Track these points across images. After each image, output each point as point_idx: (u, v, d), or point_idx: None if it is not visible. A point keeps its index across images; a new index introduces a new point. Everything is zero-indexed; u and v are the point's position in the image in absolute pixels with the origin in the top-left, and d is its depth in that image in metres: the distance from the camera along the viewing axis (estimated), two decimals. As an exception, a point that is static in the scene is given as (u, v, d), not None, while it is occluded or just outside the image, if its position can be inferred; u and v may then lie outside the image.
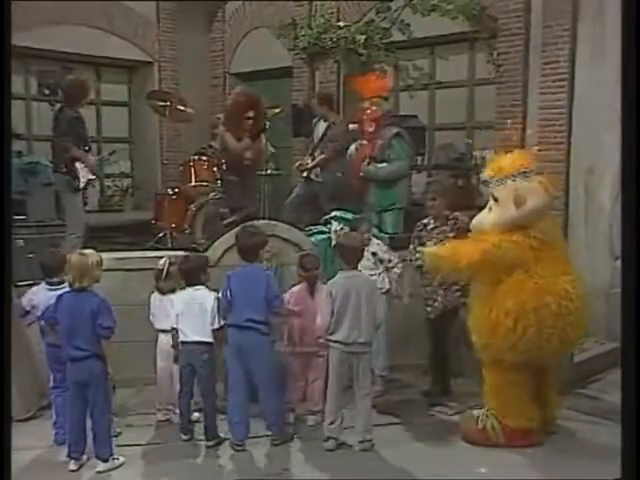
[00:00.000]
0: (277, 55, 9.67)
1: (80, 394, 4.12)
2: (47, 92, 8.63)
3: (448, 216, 5.08)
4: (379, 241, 5.24)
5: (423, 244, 5.11)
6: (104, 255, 4.43)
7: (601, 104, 6.17)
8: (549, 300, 4.19)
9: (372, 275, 4.97)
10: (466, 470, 4.15)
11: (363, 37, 8.41)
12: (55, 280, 4.48)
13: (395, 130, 6.36)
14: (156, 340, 4.80)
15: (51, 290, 4.42)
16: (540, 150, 6.76)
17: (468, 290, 4.80)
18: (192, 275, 4.58)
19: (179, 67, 10.45)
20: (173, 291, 4.72)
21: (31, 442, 4.48)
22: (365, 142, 6.39)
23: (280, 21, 9.48)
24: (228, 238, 5.41)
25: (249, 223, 5.16)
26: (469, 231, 4.61)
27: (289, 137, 8.92)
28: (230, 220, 6.12)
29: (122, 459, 4.23)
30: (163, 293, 4.77)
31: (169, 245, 7.07)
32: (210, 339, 4.46)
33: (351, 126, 6.71)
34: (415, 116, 8.05)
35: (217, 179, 7.04)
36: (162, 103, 7.85)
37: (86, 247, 4.70)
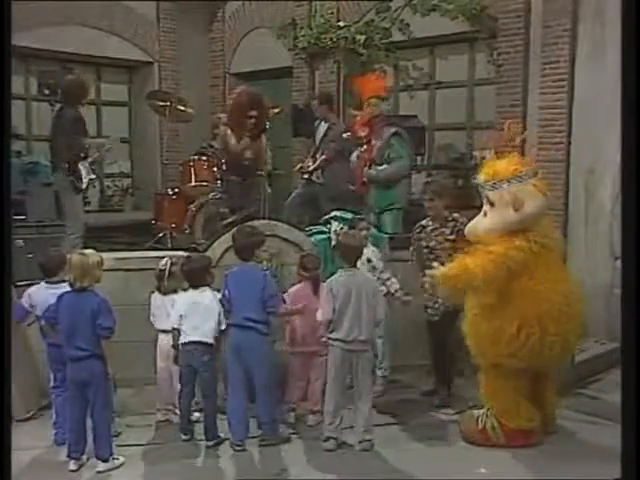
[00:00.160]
0: (277, 55, 9.68)
1: (80, 394, 4.12)
2: (47, 92, 8.63)
3: (447, 217, 5.06)
4: (374, 248, 5.21)
5: (424, 247, 5.11)
6: (104, 255, 4.43)
7: (601, 104, 6.17)
8: (550, 307, 4.18)
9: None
10: (466, 470, 4.15)
11: (363, 37, 8.43)
12: (54, 280, 4.48)
13: (393, 129, 6.36)
14: (156, 340, 4.80)
15: (50, 289, 4.42)
16: (540, 150, 6.77)
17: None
18: (196, 276, 4.58)
19: (179, 67, 10.45)
20: (174, 291, 4.73)
21: (31, 442, 4.48)
22: (365, 147, 6.40)
23: (280, 21, 9.50)
24: (228, 238, 5.40)
25: (246, 223, 5.17)
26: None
27: (289, 137, 8.93)
28: (230, 220, 6.12)
29: (122, 459, 4.23)
30: (164, 293, 4.77)
31: (169, 245, 7.08)
32: (211, 341, 4.46)
33: (344, 135, 6.71)
34: (415, 116, 8.05)
35: (217, 179, 7.04)
36: (162, 103, 7.86)
37: (86, 247, 4.70)
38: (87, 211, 6.90)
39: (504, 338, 4.22)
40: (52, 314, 4.21)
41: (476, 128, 8.08)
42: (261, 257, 4.83)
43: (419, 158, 8.12)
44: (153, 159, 9.97)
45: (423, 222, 5.19)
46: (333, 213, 5.87)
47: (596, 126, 6.35)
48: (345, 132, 6.74)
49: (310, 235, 5.75)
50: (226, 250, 5.40)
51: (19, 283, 4.95)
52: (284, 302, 4.66)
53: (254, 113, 6.24)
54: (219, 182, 6.99)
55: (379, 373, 5.20)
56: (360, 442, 4.40)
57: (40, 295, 4.46)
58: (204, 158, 7.31)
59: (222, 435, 4.51)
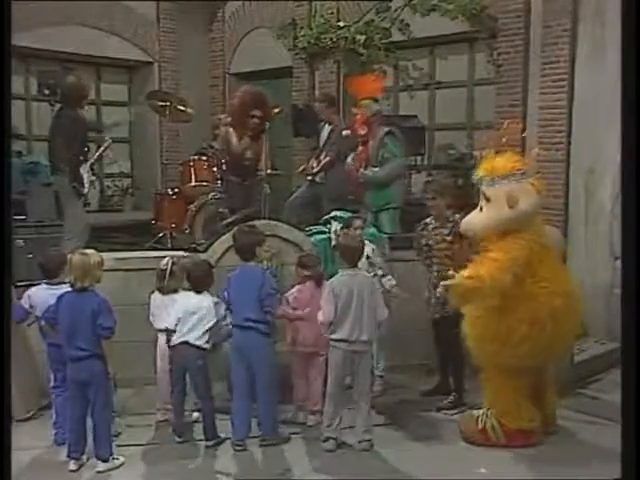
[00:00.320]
0: (277, 55, 9.67)
1: (80, 394, 4.12)
2: (47, 92, 8.63)
3: (448, 218, 5.05)
4: (373, 245, 5.21)
5: (424, 244, 5.11)
6: (104, 255, 4.43)
7: (601, 104, 6.17)
8: (558, 302, 4.18)
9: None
10: (466, 470, 4.15)
11: (363, 37, 8.43)
12: (54, 280, 4.48)
13: (386, 129, 6.35)
14: (156, 340, 4.80)
15: (50, 290, 4.41)
16: (540, 150, 6.77)
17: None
18: (198, 281, 4.57)
19: (179, 67, 10.45)
20: (175, 291, 4.72)
21: (31, 442, 4.47)
22: (360, 148, 6.40)
23: (280, 21, 9.50)
24: (228, 238, 5.40)
25: (246, 223, 5.16)
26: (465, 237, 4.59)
27: (289, 137, 8.93)
28: (230, 220, 6.12)
29: (122, 459, 4.23)
30: (164, 293, 4.77)
31: (169, 245, 7.08)
32: (205, 345, 4.43)
33: (344, 132, 6.71)
34: (415, 116, 8.06)
35: (217, 179, 7.04)
36: (162, 103, 7.86)
37: (86, 247, 4.70)
38: (87, 211, 6.88)
39: (515, 338, 4.21)
40: (52, 314, 4.21)
41: (476, 128, 8.08)
42: (262, 256, 4.83)
43: (419, 158, 8.14)
44: (153, 159, 9.97)
45: (427, 220, 5.20)
46: (333, 213, 5.87)
47: (596, 126, 6.35)
48: (345, 129, 6.74)
49: (310, 235, 5.75)
50: (226, 250, 5.41)
51: (19, 283, 4.95)
52: (287, 302, 4.66)
53: (257, 113, 6.24)
54: (219, 182, 6.99)
55: (375, 373, 5.19)
56: (360, 442, 4.40)
57: (40, 296, 4.45)
58: (204, 158, 7.32)
59: (222, 435, 4.51)
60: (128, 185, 10.53)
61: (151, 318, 4.81)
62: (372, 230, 5.58)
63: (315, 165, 7.04)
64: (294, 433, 4.65)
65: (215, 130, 7.63)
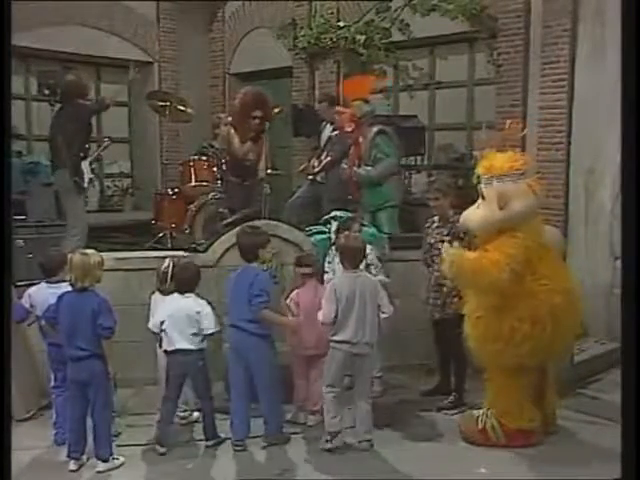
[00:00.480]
0: (277, 55, 9.68)
1: (80, 394, 4.12)
2: (47, 92, 8.63)
3: (449, 218, 5.05)
4: (370, 246, 5.20)
5: (427, 243, 5.11)
6: (104, 255, 4.42)
7: (601, 104, 6.17)
8: (558, 300, 4.18)
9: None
10: (466, 470, 4.15)
11: (363, 37, 8.43)
12: (54, 279, 4.48)
13: (376, 128, 6.33)
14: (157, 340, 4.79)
15: (50, 289, 4.41)
16: (540, 150, 6.77)
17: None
18: (183, 283, 4.49)
19: (179, 67, 10.46)
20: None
21: (31, 442, 4.47)
22: (352, 148, 6.39)
23: (280, 21, 9.50)
24: (228, 238, 5.41)
25: (250, 223, 5.16)
26: (462, 238, 4.59)
27: (289, 137, 8.93)
28: (230, 220, 6.12)
29: (122, 459, 4.23)
30: (165, 294, 4.76)
31: (169, 245, 7.08)
32: (201, 345, 4.39)
33: (333, 134, 6.70)
34: (415, 116, 8.06)
35: (217, 179, 7.04)
36: (162, 103, 7.86)
37: (87, 247, 4.70)
38: (87, 211, 6.89)
39: (517, 338, 4.21)
40: (52, 314, 4.21)
41: (476, 128, 8.08)
42: (265, 257, 4.80)
43: (419, 158, 8.14)
44: (153, 159, 9.97)
45: (434, 218, 5.20)
46: (333, 213, 5.87)
47: (596, 126, 6.35)
48: (333, 131, 6.73)
49: (310, 235, 5.75)
50: (226, 250, 5.41)
51: (19, 283, 4.95)
52: (288, 308, 4.65)
53: (259, 113, 6.23)
54: (219, 182, 6.99)
55: (373, 374, 5.17)
56: (360, 442, 4.41)
57: (40, 295, 4.46)
58: (204, 158, 7.31)
59: (222, 435, 4.51)
60: (128, 185, 10.53)
61: (151, 318, 4.80)
62: (372, 230, 5.58)
63: (316, 165, 7.03)
64: (294, 433, 4.65)
65: (215, 130, 7.63)
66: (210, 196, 6.97)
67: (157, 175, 9.52)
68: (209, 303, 4.47)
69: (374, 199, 6.33)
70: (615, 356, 5.36)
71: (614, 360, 5.41)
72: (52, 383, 4.50)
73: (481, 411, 4.51)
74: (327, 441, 4.39)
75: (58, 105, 6.78)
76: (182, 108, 7.94)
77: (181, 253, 5.54)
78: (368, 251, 5.03)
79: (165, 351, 4.47)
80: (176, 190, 7.46)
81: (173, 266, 4.70)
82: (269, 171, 6.54)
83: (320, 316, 4.38)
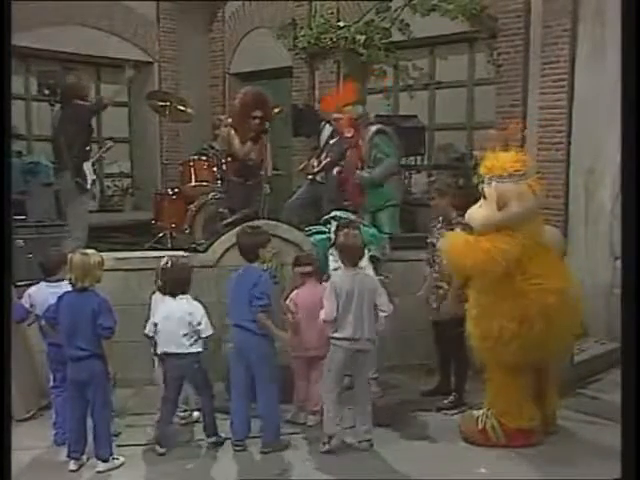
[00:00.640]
0: (277, 55, 9.68)
1: (80, 394, 4.12)
2: (47, 92, 8.63)
3: (452, 219, 5.04)
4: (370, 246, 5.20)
5: (429, 242, 5.11)
6: (104, 255, 4.42)
7: (601, 104, 6.17)
8: (552, 300, 4.18)
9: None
10: (466, 470, 4.15)
11: (363, 37, 8.43)
12: (54, 278, 4.48)
13: (374, 128, 6.31)
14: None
15: (50, 289, 4.41)
16: (540, 150, 6.77)
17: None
18: (175, 285, 4.45)
19: (179, 67, 10.46)
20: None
21: (31, 442, 4.47)
22: (350, 152, 6.37)
23: (280, 21, 9.50)
24: (228, 238, 5.41)
25: (250, 223, 5.16)
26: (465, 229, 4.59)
27: (289, 137, 8.93)
28: (230, 220, 6.12)
29: (122, 459, 4.23)
30: (165, 294, 4.75)
31: (169, 245, 7.08)
32: (194, 348, 4.35)
33: (331, 141, 6.68)
34: (415, 116, 8.06)
35: (217, 179, 7.04)
36: (162, 103, 7.87)
37: (87, 247, 4.69)
38: (89, 211, 6.89)
39: (505, 336, 4.22)
40: (52, 314, 4.21)
41: (476, 128, 8.08)
42: (265, 257, 4.80)
43: (419, 158, 8.14)
44: (153, 159, 9.97)
45: (440, 218, 5.18)
46: (333, 213, 5.87)
47: (596, 126, 6.35)
48: (331, 137, 6.69)
49: (310, 235, 5.75)
50: (226, 250, 5.41)
51: (19, 283, 4.94)
52: (288, 309, 4.64)
53: (259, 113, 6.23)
54: (219, 182, 6.99)
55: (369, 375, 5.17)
56: (360, 442, 4.41)
57: (40, 295, 4.46)
58: (204, 158, 7.31)
59: (222, 435, 4.50)
60: (128, 185, 10.53)
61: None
62: (372, 230, 5.57)
63: (316, 164, 7.02)
64: (294, 433, 4.65)
65: (215, 130, 7.63)
66: (210, 196, 6.97)
67: (157, 175, 9.52)
68: (206, 305, 4.44)
69: (375, 199, 6.32)
70: (615, 356, 5.36)
71: (614, 360, 5.41)
72: (52, 383, 4.50)
73: (481, 411, 4.51)
74: (324, 443, 4.38)
75: (58, 105, 6.78)
76: (182, 108, 7.94)
77: (181, 253, 5.53)
78: (368, 251, 5.05)
79: (160, 355, 4.42)
80: (176, 190, 7.45)
81: (162, 268, 4.62)
82: (269, 171, 6.53)
83: (322, 314, 4.38)
